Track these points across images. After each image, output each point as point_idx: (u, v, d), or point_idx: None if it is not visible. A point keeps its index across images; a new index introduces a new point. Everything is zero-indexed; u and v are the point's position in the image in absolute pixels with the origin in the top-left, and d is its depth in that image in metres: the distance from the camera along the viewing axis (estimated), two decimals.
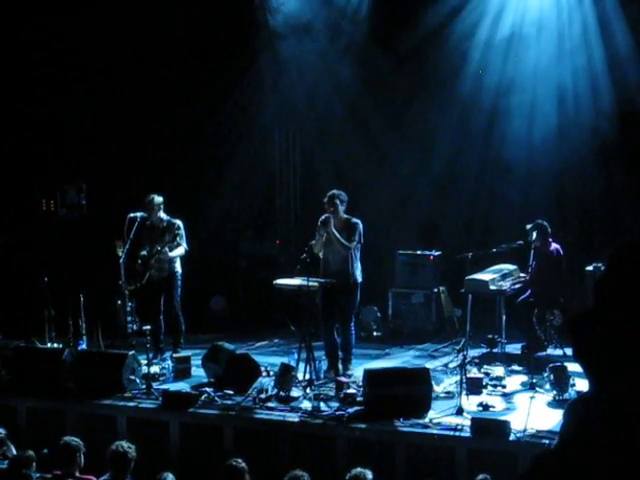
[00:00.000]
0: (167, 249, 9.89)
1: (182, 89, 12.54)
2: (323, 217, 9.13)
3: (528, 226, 9.81)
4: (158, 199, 10.16)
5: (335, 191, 9.25)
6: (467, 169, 11.95)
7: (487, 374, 8.92)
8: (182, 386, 9.03)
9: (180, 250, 10.05)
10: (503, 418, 7.49)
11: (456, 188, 12.09)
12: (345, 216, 9.27)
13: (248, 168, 13.05)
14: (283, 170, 13.34)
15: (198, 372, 9.41)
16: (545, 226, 9.71)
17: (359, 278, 9.31)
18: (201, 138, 12.83)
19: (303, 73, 12.44)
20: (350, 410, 7.95)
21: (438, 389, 8.44)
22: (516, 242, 9.98)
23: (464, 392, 8.00)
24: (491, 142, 11.71)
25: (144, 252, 10.06)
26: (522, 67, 11.49)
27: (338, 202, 9.15)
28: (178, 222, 10.13)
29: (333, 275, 9.19)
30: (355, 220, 9.26)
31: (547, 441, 6.91)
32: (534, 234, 9.62)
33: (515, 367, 9.38)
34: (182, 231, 10.04)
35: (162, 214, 10.19)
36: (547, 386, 8.26)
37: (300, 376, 8.76)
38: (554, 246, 9.81)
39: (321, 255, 9.38)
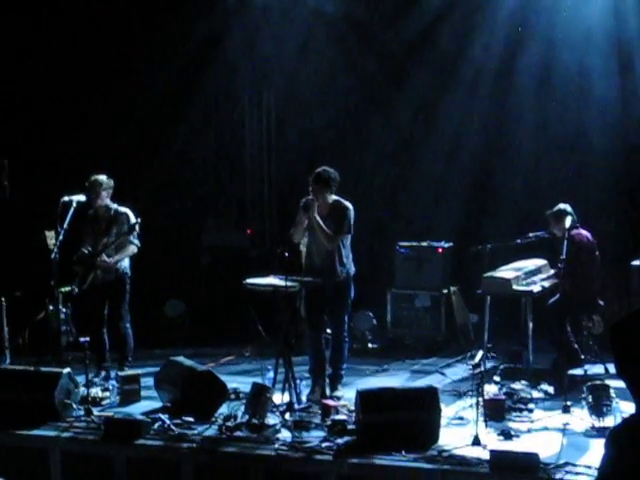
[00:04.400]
0: (114, 252, 9.88)
1: (138, 50, 12.57)
2: (305, 199, 9.07)
3: (548, 212, 9.89)
4: (105, 181, 10.06)
5: (323, 168, 9.15)
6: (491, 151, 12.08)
7: (510, 395, 8.91)
8: (130, 412, 8.96)
9: (132, 248, 10.05)
10: (529, 450, 7.46)
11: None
12: (334, 198, 9.19)
13: (212, 142, 13.03)
14: (255, 144, 13.32)
15: (150, 395, 9.40)
16: (570, 212, 9.74)
17: (351, 271, 9.28)
18: (154, 108, 12.81)
19: (279, 35, 12.59)
20: (339, 441, 7.91)
21: (449, 414, 8.42)
22: (545, 231, 9.97)
23: (481, 418, 7.99)
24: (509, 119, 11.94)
25: (85, 249, 9.98)
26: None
27: (323, 183, 9.06)
28: (127, 212, 10.11)
29: (317, 271, 9.16)
30: (345, 204, 9.19)
31: (585, 478, 6.89)
32: (567, 220, 9.62)
33: (545, 386, 9.39)
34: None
35: (109, 201, 10.11)
36: (584, 410, 8.24)
37: (277, 399, 8.72)
38: (584, 234, 9.82)
39: (303, 247, 9.34)
